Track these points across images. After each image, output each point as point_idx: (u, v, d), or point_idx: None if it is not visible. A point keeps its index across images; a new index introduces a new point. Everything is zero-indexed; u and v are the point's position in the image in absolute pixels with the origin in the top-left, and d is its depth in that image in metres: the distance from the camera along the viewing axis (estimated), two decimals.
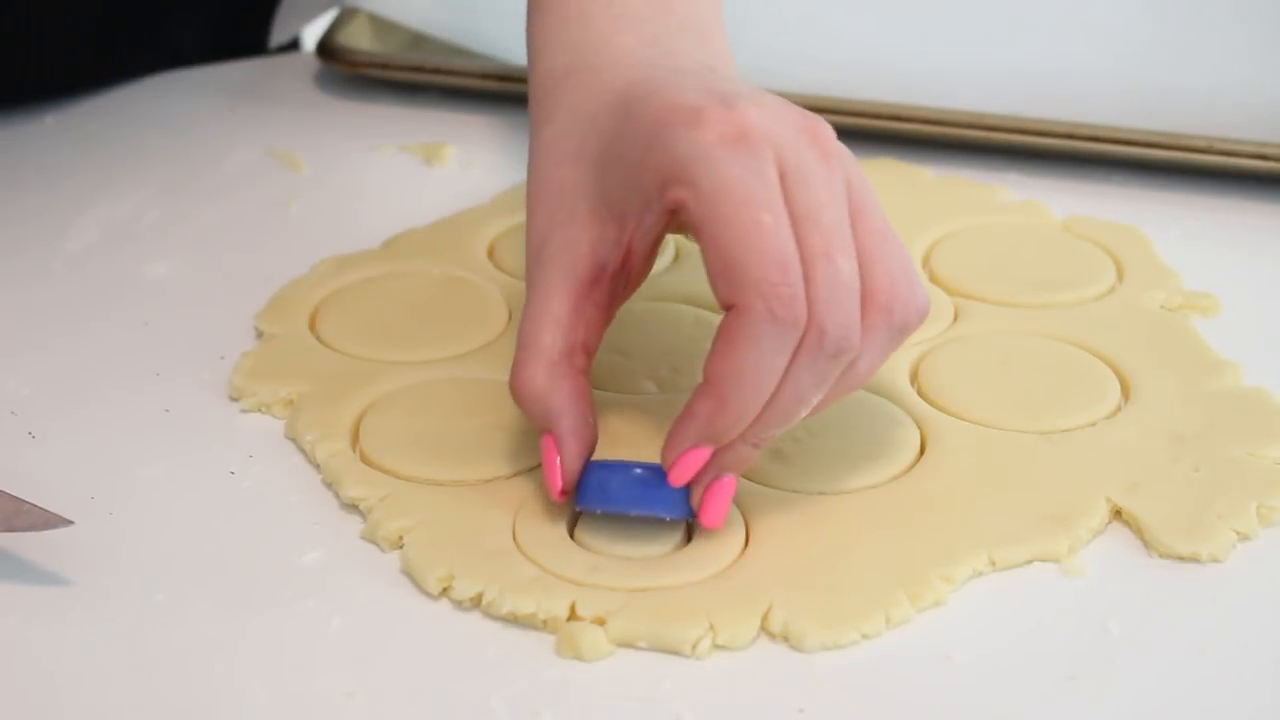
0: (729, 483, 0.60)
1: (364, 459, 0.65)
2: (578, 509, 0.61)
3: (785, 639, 0.57)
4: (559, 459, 0.60)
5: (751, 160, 0.58)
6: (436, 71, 0.91)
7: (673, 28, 0.66)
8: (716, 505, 0.60)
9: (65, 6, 0.89)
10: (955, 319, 0.73)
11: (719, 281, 0.58)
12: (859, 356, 0.58)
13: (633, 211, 0.61)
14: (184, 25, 0.97)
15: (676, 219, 0.60)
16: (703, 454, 0.59)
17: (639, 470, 0.61)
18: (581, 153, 0.62)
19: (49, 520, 0.59)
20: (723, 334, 0.58)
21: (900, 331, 0.59)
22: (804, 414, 0.59)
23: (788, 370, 0.58)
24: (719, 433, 0.58)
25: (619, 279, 0.62)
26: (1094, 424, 0.67)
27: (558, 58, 0.66)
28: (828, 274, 0.57)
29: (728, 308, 0.58)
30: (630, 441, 0.65)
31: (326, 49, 0.92)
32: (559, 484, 0.60)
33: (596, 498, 0.60)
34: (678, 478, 0.59)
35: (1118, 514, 0.63)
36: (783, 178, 0.58)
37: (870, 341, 0.59)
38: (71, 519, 0.60)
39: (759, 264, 0.57)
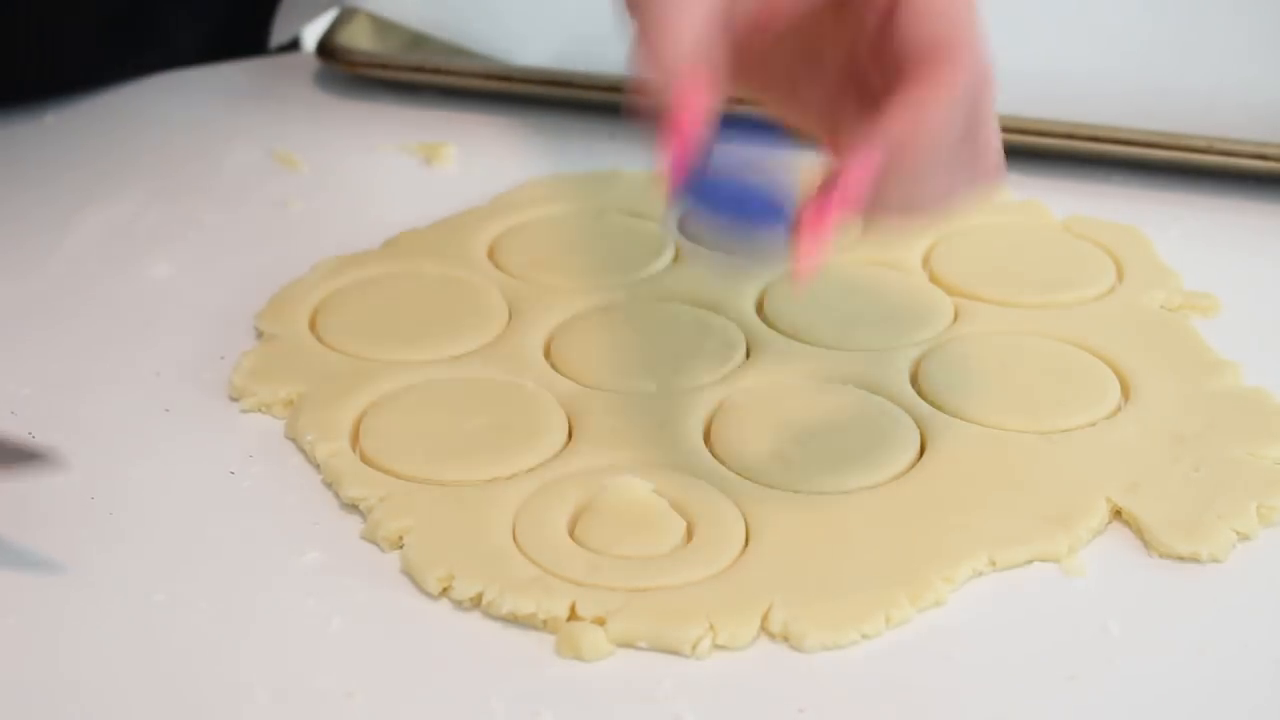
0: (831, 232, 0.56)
1: (364, 459, 0.65)
2: (686, 199, 0.56)
3: (785, 639, 0.57)
4: (684, 132, 0.54)
5: None
6: (436, 71, 0.91)
7: None
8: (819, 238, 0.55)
9: (65, 6, 0.89)
10: (955, 319, 0.73)
11: (922, 40, 0.55)
12: None
13: None
14: (183, 25, 0.97)
15: None
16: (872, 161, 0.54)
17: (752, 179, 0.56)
18: None
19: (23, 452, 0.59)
20: (914, 87, 0.55)
21: None
22: (941, 150, 0.56)
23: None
24: (893, 182, 0.55)
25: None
26: (1094, 424, 0.67)
27: None
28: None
29: (926, 61, 0.55)
30: (631, 441, 0.65)
31: (326, 49, 0.92)
32: (684, 154, 0.54)
33: (707, 194, 0.55)
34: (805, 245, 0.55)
35: (1118, 514, 0.63)
36: None
37: None
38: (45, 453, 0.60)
39: (976, 35, 0.56)
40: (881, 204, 0.56)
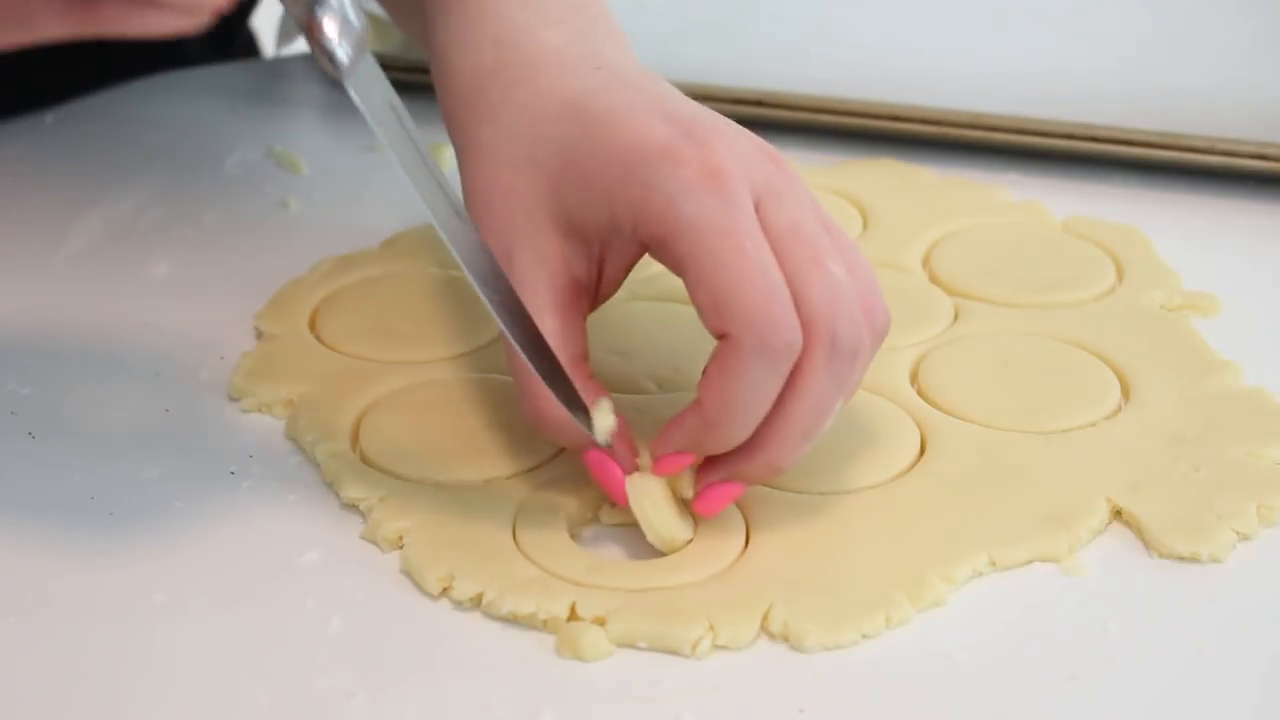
0: (737, 489, 0.60)
1: (364, 459, 0.65)
2: None
3: (785, 639, 0.57)
4: (614, 466, 0.60)
5: (728, 193, 0.58)
6: None
7: (587, 26, 0.65)
8: (715, 500, 0.60)
9: None
10: (955, 319, 0.73)
11: (708, 314, 0.58)
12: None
13: (599, 237, 0.61)
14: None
15: (648, 250, 0.60)
16: (734, 490, 0.60)
17: None
18: (532, 160, 0.61)
19: None
20: (716, 361, 0.58)
21: (882, 336, 0.60)
22: (829, 422, 0.59)
23: (804, 385, 0.58)
24: (705, 449, 0.59)
25: (590, 294, 0.62)
26: (1094, 424, 0.67)
27: (481, 54, 0.64)
28: (823, 280, 0.58)
29: (720, 337, 0.58)
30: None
31: None
32: (624, 492, 0.60)
33: None
34: (704, 508, 0.60)
35: (1118, 514, 0.63)
36: (758, 204, 0.59)
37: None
38: None
39: (746, 292, 0.57)
40: (789, 461, 0.60)
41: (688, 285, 0.58)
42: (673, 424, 0.59)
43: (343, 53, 0.56)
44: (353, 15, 0.57)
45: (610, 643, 0.57)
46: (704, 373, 0.59)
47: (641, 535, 0.60)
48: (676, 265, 0.59)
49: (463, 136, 0.64)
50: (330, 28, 0.56)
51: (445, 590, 0.59)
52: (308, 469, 0.65)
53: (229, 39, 1.02)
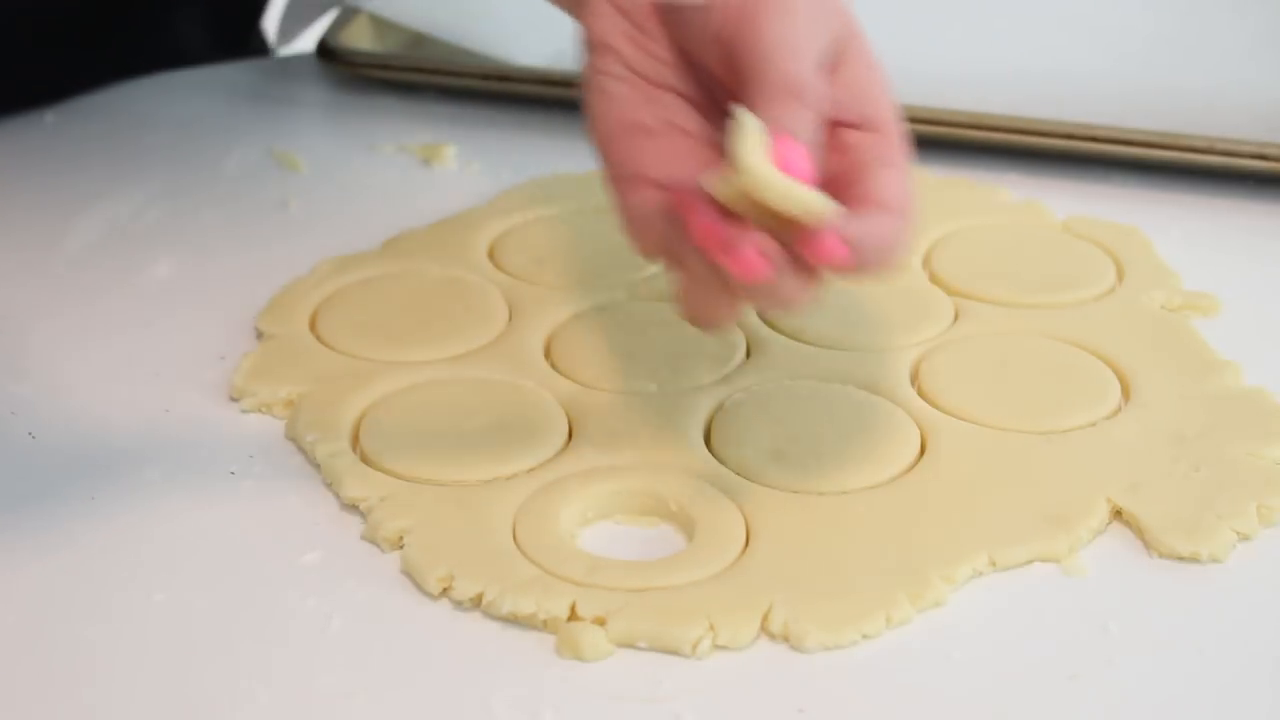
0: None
1: (364, 459, 0.65)
2: None
3: (785, 639, 0.57)
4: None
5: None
6: (436, 71, 0.91)
7: None
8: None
9: (63, 6, 0.89)
10: (955, 319, 0.73)
11: (864, 103, 0.61)
12: None
13: None
14: (184, 25, 0.97)
15: None
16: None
17: None
18: None
19: None
20: (882, 158, 0.60)
21: None
22: None
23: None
24: (897, 253, 0.59)
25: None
26: (1094, 424, 0.67)
27: None
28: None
29: (865, 128, 0.61)
30: (631, 442, 0.65)
31: (326, 49, 0.92)
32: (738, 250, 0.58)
33: None
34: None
35: (1118, 514, 0.63)
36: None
37: None
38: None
39: (886, 88, 0.62)
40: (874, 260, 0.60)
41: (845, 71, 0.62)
42: (859, 231, 0.57)
43: None
44: None
45: (610, 643, 0.57)
46: (874, 175, 0.59)
47: (641, 536, 0.60)
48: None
49: None
50: None
51: (445, 590, 0.59)
52: (308, 469, 0.65)
53: (240, 41, 1.02)
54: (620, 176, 0.63)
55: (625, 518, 0.63)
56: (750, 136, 0.57)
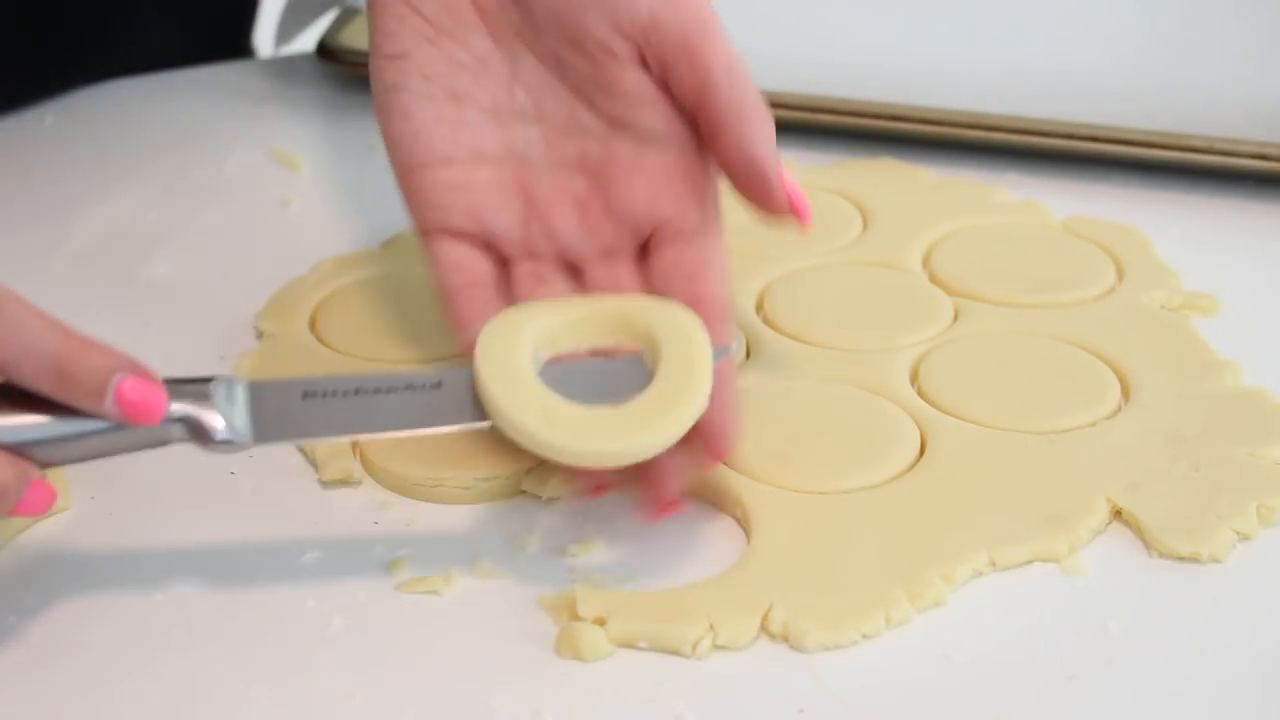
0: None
1: (364, 459, 0.65)
2: None
3: (785, 639, 0.57)
4: None
5: None
6: None
7: None
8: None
9: (35, 9, 0.89)
10: (955, 319, 0.73)
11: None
12: None
13: None
14: (163, 27, 0.96)
15: None
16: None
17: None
18: None
19: None
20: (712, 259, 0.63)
21: None
22: None
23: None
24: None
25: None
26: (1094, 424, 0.67)
27: None
28: None
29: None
30: None
31: (326, 49, 0.92)
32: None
33: None
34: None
35: (1118, 514, 0.63)
36: None
37: None
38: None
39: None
40: None
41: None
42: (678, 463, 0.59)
43: (240, 434, 0.56)
44: (221, 392, 0.57)
45: (610, 643, 0.57)
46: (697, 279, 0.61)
47: (639, 538, 0.60)
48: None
49: None
50: (220, 425, 0.56)
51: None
52: (307, 469, 0.65)
53: (226, 53, 1.02)
54: (424, 230, 0.63)
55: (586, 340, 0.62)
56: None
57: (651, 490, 0.60)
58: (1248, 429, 0.66)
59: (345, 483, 0.64)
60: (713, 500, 0.63)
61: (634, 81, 0.63)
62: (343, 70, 0.92)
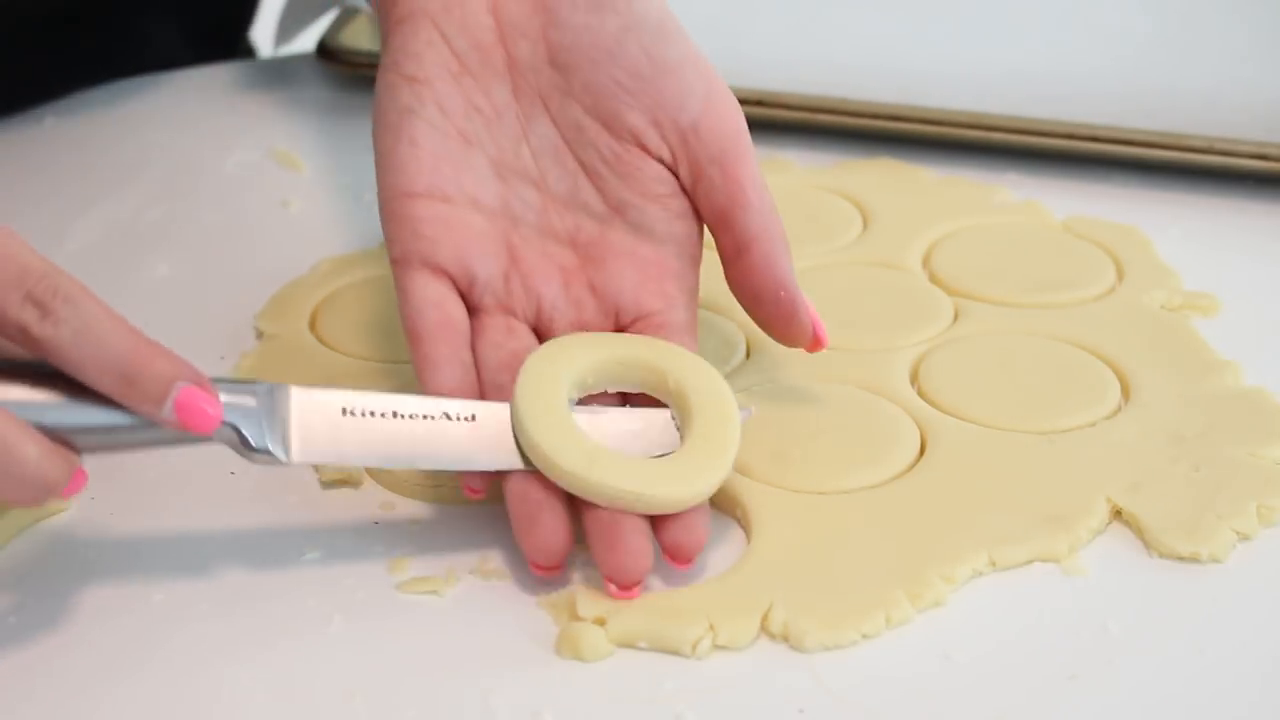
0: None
1: None
2: None
3: (785, 639, 0.57)
4: None
5: None
6: None
7: None
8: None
9: (37, 9, 0.89)
10: (955, 319, 0.73)
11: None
12: None
13: None
14: (162, 35, 0.96)
15: None
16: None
17: None
18: None
19: None
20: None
21: None
22: None
23: None
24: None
25: None
26: (1094, 424, 0.67)
27: None
28: None
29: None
30: None
31: (326, 49, 0.92)
32: None
33: None
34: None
35: (1118, 514, 0.63)
36: None
37: None
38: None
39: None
40: None
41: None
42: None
43: (281, 451, 0.57)
44: (265, 401, 0.57)
45: (610, 643, 0.57)
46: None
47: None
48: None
49: None
50: (266, 442, 0.57)
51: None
52: (308, 469, 0.65)
53: (224, 52, 1.01)
54: (403, 259, 0.62)
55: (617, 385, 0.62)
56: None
57: (615, 569, 0.58)
58: (1248, 429, 0.66)
59: (345, 483, 0.64)
60: (713, 500, 0.63)
61: (654, 177, 0.63)
62: (343, 70, 0.92)
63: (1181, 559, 0.61)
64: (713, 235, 0.64)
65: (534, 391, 0.59)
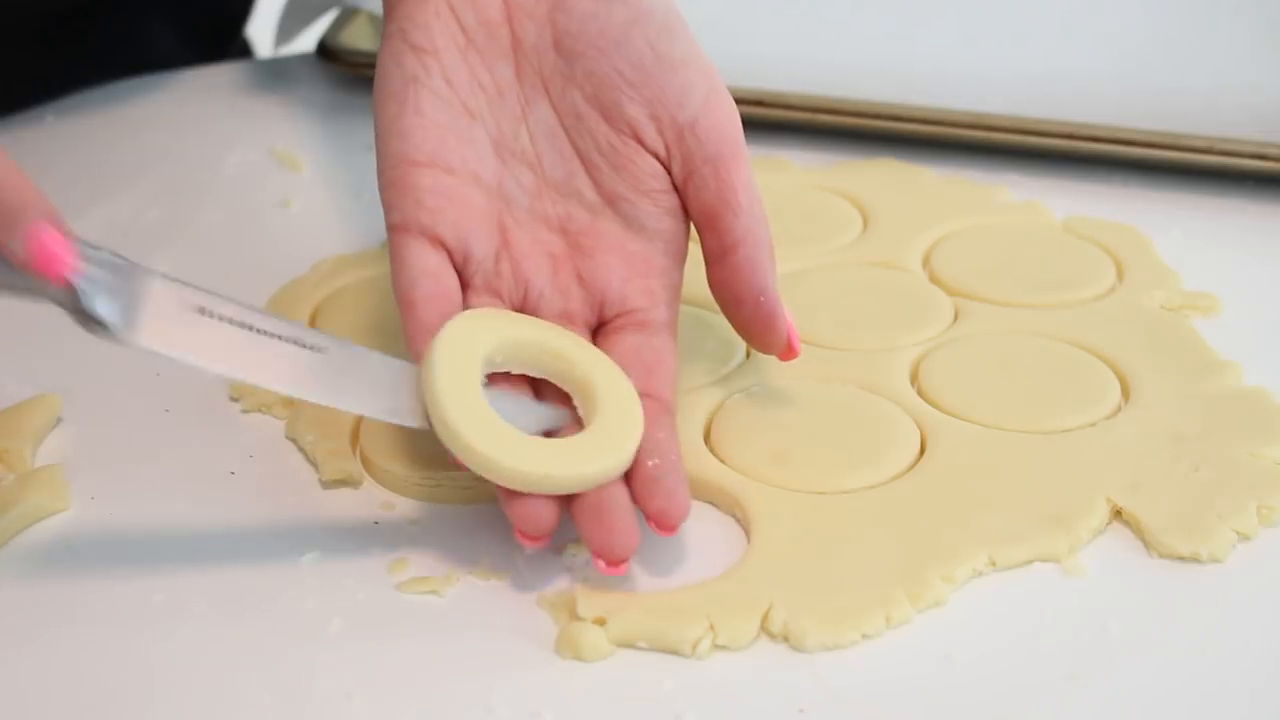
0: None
1: (364, 459, 0.65)
2: None
3: (785, 639, 0.57)
4: None
5: None
6: None
7: None
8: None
9: (32, 11, 0.89)
10: (955, 319, 0.73)
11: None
12: None
13: None
14: (158, 33, 0.96)
15: None
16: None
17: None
18: None
19: None
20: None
21: None
22: None
23: None
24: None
25: None
26: (1094, 424, 0.67)
27: None
28: None
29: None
30: None
31: (326, 49, 0.92)
32: None
33: None
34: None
35: (1118, 514, 0.63)
36: None
37: None
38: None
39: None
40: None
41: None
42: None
43: (122, 325, 0.56)
44: (124, 275, 0.56)
45: (610, 643, 0.57)
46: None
47: (641, 540, 0.60)
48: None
49: None
50: (105, 309, 0.55)
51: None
52: (307, 469, 0.65)
53: (222, 48, 1.01)
54: (402, 227, 0.62)
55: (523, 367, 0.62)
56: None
57: (603, 545, 0.58)
58: (1248, 429, 0.66)
59: (345, 483, 0.64)
60: (713, 500, 0.63)
61: (648, 171, 0.63)
62: (343, 70, 0.92)
63: (1181, 559, 0.61)
64: (699, 235, 0.64)
65: (449, 363, 0.59)
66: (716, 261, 0.63)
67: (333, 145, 0.89)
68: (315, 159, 0.87)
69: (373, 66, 0.92)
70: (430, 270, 0.62)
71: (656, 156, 0.63)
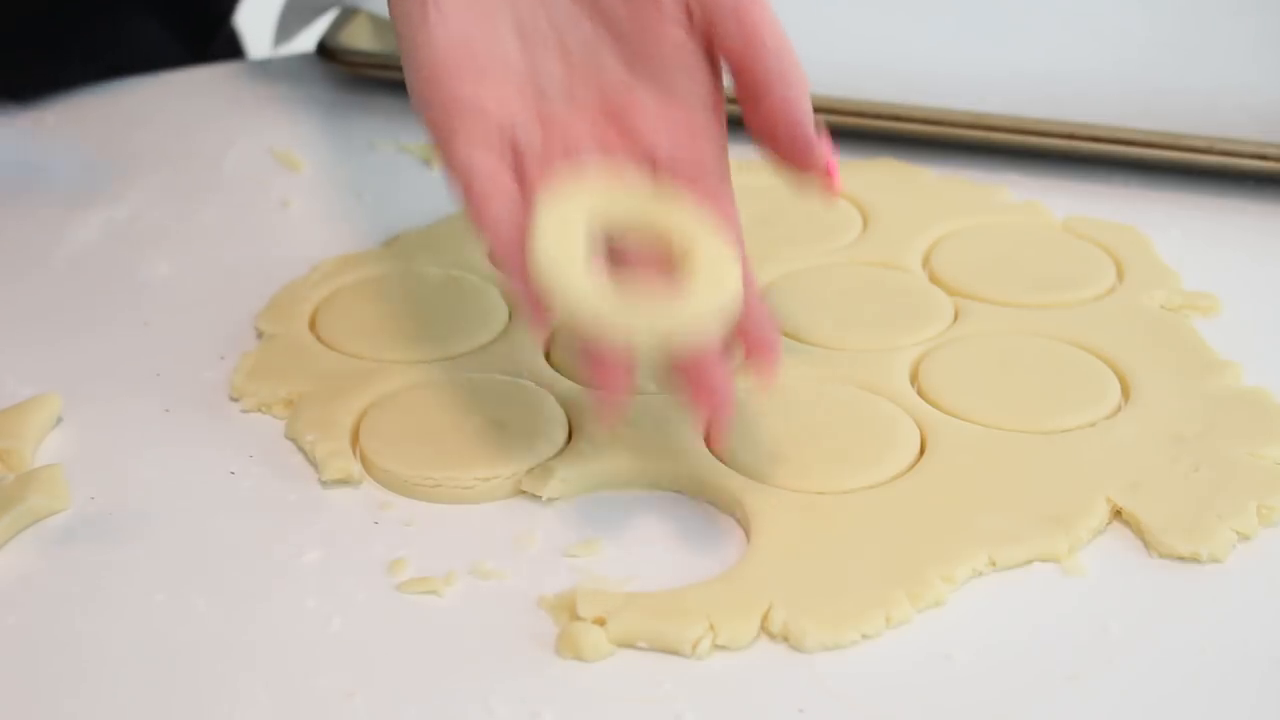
0: None
1: (364, 459, 0.65)
2: None
3: (785, 639, 0.57)
4: None
5: None
6: None
7: None
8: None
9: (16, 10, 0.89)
10: (955, 319, 0.73)
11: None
12: None
13: None
14: (141, 30, 0.96)
15: None
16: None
17: None
18: None
19: None
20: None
21: None
22: None
23: None
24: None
25: None
26: (1094, 424, 0.67)
27: None
28: None
29: None
30: (631, 442, 0.65)
31: (326, 49, 0.92)
32: None
33: None
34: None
35: (1118, 514, 0.63)
36: None
37: None
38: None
39: None
40: None
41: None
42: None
43: None
44: None
45: (610, 643, 0.57)
46: None
47: (639, 538, 0.60)
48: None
49: None
50: None
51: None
52: (307, 469, 0.65)
53: (207, 39, 1.01)
54: (449, 138, 0.61)
55: None
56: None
57: (702, 395, 0.60)
58: (1248, 429, 0.66)
59: (345, 483, 0.64)
60: (713, 500, 0.63)
61: (675, 41, 0.63)
62: (343, 70, 0.92)
63: (1181, 559, 0.61)
64: (733, 80, 0.64)
65: (554, 229, 0.59)
66: (751, 102, 0.63)
67: (332, 145, 0.89)
68: (315, 159, 0.87)
69: (373, 66, 0.93)
70: (488, 172, 0.61)
71: (680, 24, 0.63)
